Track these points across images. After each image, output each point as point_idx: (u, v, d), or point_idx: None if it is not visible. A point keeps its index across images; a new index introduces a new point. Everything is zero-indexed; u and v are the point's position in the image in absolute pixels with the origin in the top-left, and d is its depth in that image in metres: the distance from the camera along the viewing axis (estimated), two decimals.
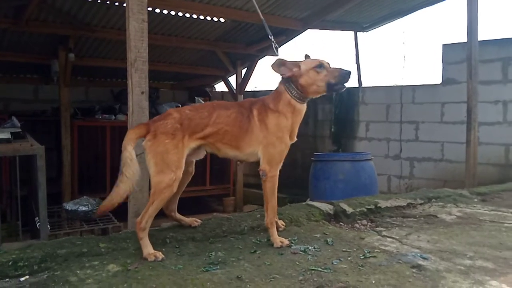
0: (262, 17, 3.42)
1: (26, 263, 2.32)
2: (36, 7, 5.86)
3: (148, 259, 2.44)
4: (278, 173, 2.76)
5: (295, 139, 2.86)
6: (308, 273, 2.32)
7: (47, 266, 2.35)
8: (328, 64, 2.73)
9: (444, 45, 7.19)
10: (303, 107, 2.81)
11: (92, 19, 6.63)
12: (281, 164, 2.78)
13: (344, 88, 2.72)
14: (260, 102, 2.81)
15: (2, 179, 4.88)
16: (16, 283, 2.19)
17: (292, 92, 2.74)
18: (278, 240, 2.74)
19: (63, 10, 6.27)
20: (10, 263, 2.29)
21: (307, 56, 2.88)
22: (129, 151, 2.54)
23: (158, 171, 2.54)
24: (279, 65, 2.75)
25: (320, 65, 2.69)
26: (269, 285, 2.17)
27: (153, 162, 2.56)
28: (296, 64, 2.75)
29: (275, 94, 2.81)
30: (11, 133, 3.52)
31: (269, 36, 3.23)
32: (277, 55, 3.05)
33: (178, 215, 2.98)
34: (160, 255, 2.47)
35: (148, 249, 2.50)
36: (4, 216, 4.61)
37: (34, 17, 6.28)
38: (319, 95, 2.83)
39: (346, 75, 2.66)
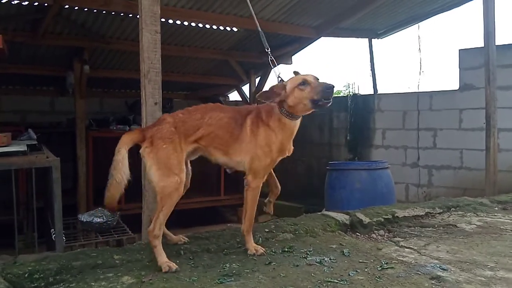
0: (259, 29, 3.35)
1: (41, 275, 2.34)
2: (52, 20, 5.96)
3: (163, 268, 2.43)
4: (261, 184, 2.76)
5: (288, 154, 2.82)
6: (324, 285, 2.29)
7: (63, 278, 2.36)
8: (316, 79, 2.64)
9: (460, 50, 7.09)
10: (295, 124, 2.74)
11: (107, 31, 6.72)
12: (265, 177, 2.78)
13: (329, 103, 2.59)
14: (256, 112, 2.77)
15: (19, 191, 4.94)
16: None
17: (282, 109, 2.69)
18: (253, 247, 2.75)
19: (78, 23, 6.37)
20: (26, 275, 2.32)
21: (296, 73, 2.79)
22: (122, 154, 2.60)
23: (161, 176, 2.55)
24: (265, 97, 2.71)
25: (303, 82, 2.61)
26: None
27: (154, 168, 2.57)
28: (282, 86, 2.69)
29: (268, 108, 2.76)
30: (27, 145, 3.56)
31: (266, 50, 3.14)
32: (276, 66, 3.04)
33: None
34: (174, 266, 2.45)
35: (162, 257, 2.50)
36: (21, 228, 4.65)
37: (50, 30, 6.40)
38: (308, 113, 2.72)
39: (327, 89, 2.54)
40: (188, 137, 2.67)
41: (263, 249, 2.76)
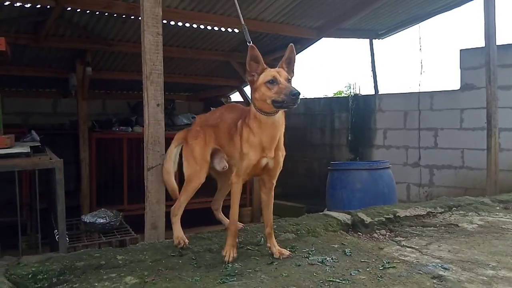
0: (243, 22, 3.32)
1: (45, 275, 2.34)
2: (54, 23, 5.98)
3: (175, 242, 2.78)
4: (241, 182, 2.72)
5: (273, 155, 2.62)
6: (326, 284, 2.30)
7: (66, 278, 2.37)
8: (287, 79, 2.48)
9: (461, 50, 7.10)
10: (272, 121, 2.53)
11: (109, 33, 6.74)
12: (246, 176, 2.72)
13: (292, 106, 2.44)
14: (246, 113, 2.70)
15: (22, 192, 4.96)
16: None
17: (255, 105, 2.55)
18: (230, 246, 2.70)
19: (80, 25, 6.38)
20: (29, 275, 2.32)
21: (252, 48, 2.62)
22: (171, 149, 3.03)
23: (187, 166, 2.94)
24: (253, 58, 2.57)
25: (272, 81, 2.45)
26: None
27: (185, 161, 2.97)
28: (259, 69, 2.55)
29: (250, 106, 2.66)
30: (31, 147, 3.57)
31: (248, 43, 2.99)
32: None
33: (220, 215, 3.29)
34: (185, 242, 2.77)
35: (177, 232, 2.84)
36: (24, 229, 4.68)
37: (52, 32, 6.41)
38: (273, 111, 2.50)
39: (293, 95, 2.36)
40: (208, 135, 2.91)
41: (234, 254, 2.67)
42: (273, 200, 2.79)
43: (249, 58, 2.57)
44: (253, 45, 2.60)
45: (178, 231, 2.86)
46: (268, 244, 2.78)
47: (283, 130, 2.66)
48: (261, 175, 2.76)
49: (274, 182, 2.75)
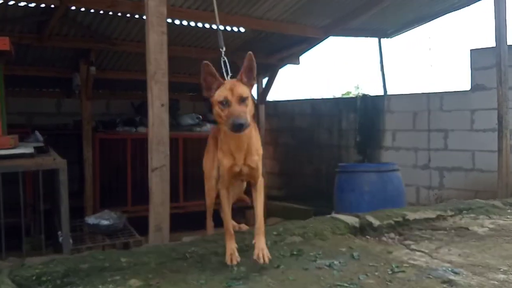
0: (218, 25, 3.24)
1: (49, 277, 2.33)
2: (58, 22, 5.98)
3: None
4: (224, 188, 2.68)
5: (243, 162, 2.54)
6: None
7: (70, 280, 2.35)
8: (239, 98, 2.33)
9: (472, 50, 7.01)
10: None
11: (113, 32, 6.73)
12: (227, 182, 2.65)
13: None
14: None
15: (26, 193, 4.94)
16: None
17: None
18: (228, 252, 2.62)
19: (84, 24, 6.38)
20: (34, 277, 2.32)
21: (207, 64, 2.47)
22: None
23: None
24: (208, 72, 2.45)
25: (225, 102, 2.34)
26: None
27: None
28: (215, 85, 2.44)
29: None
30: (34, 147, 3.56)
31: (221, 49, 2.89)
32: (228, 69, 2.73)
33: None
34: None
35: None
36: (28, 230, 4.66)
37: (56, 31, 6.41)
38: None
39: (235, 128, 2.28)
40: (214, 147, 2.93)
41: (236, 260, 2.55)
42: (262, 197, 2.67)
43: (204, 74, 2.44)
44: (207, 62, 2.45)
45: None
46: (254, 241, 2.65)
47: (255, 137, 2.57)
48: (243, 180, 2.78)
49: (258, 181, 2.66)
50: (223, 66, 2.79)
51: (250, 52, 2.47)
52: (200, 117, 8.82)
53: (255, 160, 2.57)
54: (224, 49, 2.83)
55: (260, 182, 2.66)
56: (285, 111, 10.03)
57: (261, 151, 2.64)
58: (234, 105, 2.32)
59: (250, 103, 2.40)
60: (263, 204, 2.67)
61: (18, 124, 7.16)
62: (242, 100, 2.35)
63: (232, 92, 2.34)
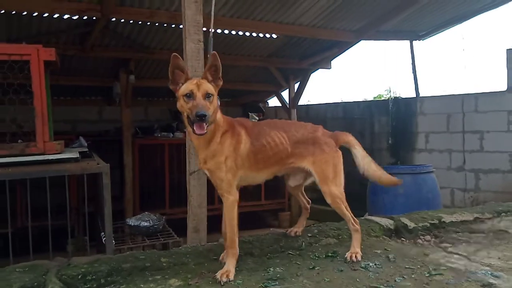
0: (212, 30, 3.21)
1: (94, 276, 2.42)
2: (100, 33, 6.23)
3: None
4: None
5: (205, 166, 2.56)
6: None
7: (113, 280, 2.44)
8: (205, 94, 2.38)
9: (508, 50, 6.82)
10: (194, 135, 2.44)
11: (151, 42, 6.94)
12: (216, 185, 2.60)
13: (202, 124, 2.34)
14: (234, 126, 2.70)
15: (71, 196, 5.15)
16: None
17: None
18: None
19: (124, 35, 6.61)
20: (79, 276, 2.41)
21: (175, 56, 2.49)
22: None
23: None
24: (177, 67, 2.48)
25: (190, 95, 2.38)
26: None
27: None
28: (183, 79, 2.47)
29: None
30: (79, 152, 3.71)
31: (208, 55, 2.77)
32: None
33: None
34: None
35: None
36: (72, 232, 4.85)
37: (98, 42, 6.68)
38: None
39: (197, 117, 2.29)
40: None
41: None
42: (229, 215, 2.54)
43: (172, 67, 2.46)
44: (176, 54, 2.50)
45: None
46: (220, 259, 2.67)
47: (226, 144, 2.55)
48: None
49: (221, 191, 2.55)
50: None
51: (214, 52, 2.53)
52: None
53: (212, 166, 2.52)
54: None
55: (226, 199, 2.54)
56: (317, 114, 10.02)
57: (231, 164, 2.53)
58: (199, 99, 2.37)
59: (214, 101, 2.46)
60: (233, 222, 2.53)
61: (63, 131, 7.48)
62: (207, 95, 2.41)
63: (198, 87, 2.39)
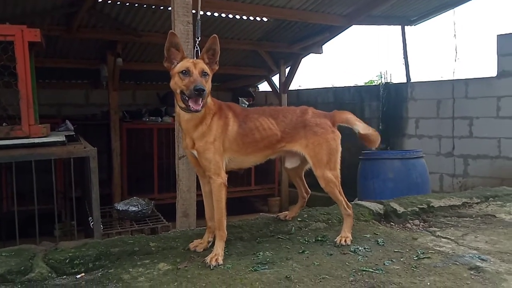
0: (201, 13, 3.09)
1: (81, 261, 2.41)
2: (86, 14, 6.10)
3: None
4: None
5: (193, 147, 2.53)
6: (359, 274, 2.28)
7: (101, 264, 2.43)
8: (201, 72, 2.38)
9: (499, 36, 6.83)
10: (183, 115, 2.47)
11: (139, 24, 6.81)
12: (196, 166, 2.65)
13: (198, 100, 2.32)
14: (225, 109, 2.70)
15: (57, 180, 5.09)
16: (73, 280, 2.29)
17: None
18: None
19: (111, 16, 6.48)
20: (67, 260, 2.39)
21: (173, 34, 2.47)
22: None
23: None
24: (174, 45, 2.45)
25: (186, 71, 2.37)
26: (319, 286, 2.14)
27: None
28: (179, 57, 2.45)
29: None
30: (66, 136, 3.65)
31: (197, 38, 2.82)
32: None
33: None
34: None
35: None
36: (59, 216, 4.80)
37: (84, 23, 6.54)
38: (181, 105, 2.44)
39: (195, 91, 2.27)
40: None
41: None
42: (217, 198, 2.51)
43: (168, 44, 2.43)
44: (173, 31, 2.49)
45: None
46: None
47: (214, 127, 2.52)
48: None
49: (209, 173, 2.52)
50: (194, 55, 2.79)
51: (215, 35, 2.50)
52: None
53: (201, 147, 2.49)
54: (199, 39, 2.79)
55: (214, 181, 2.50)
56: (308, 99, 9.98)
57: (218, 145, 2.51)
58: (195, 75, 2.35)
59: (209, 81, 2.44)
60: (221, 204, 2.51)
61: (49, 115, 7.37)
62: (203, 74, 2.39)
63: (195, 65, 2.39)
